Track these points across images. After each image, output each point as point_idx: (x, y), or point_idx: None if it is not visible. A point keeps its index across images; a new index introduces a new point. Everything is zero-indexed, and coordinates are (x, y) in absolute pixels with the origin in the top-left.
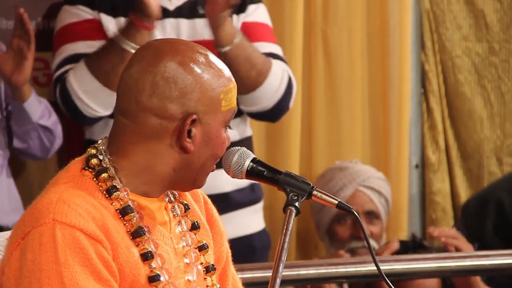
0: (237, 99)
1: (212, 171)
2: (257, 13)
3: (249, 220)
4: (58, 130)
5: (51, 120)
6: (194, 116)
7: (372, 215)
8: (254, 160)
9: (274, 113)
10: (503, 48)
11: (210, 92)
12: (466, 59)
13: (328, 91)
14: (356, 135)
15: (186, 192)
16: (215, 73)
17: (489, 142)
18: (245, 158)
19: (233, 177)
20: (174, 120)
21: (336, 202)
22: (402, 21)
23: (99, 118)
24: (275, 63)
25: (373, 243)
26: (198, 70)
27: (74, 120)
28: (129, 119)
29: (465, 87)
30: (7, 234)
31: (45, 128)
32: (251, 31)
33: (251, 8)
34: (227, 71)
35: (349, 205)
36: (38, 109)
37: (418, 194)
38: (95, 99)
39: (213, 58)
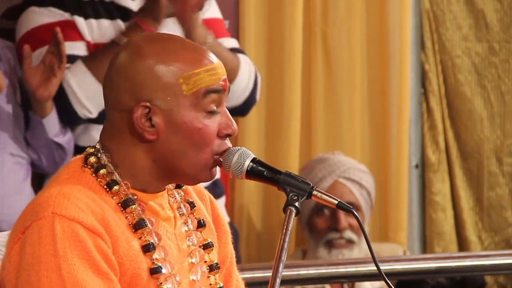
0: None
1: (219, 164)
2: (212, 9)
3: None
4: (71, 147)
5: (66, 137)
6: (143, 104)
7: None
8: (254, 160)
9: (244, 108)
10: (503, 48)
11: (164, 79)
12: (466, 59)
13: (328, 91)
14: (356, 135)
15: (192, 191)
16: (172, 59)
17: (489, 142)
18: (245, 158)
19: (233, 177)
20: (129, 111)
21: (336, 202)
22: (402, 21)
23: (88, 121)
24: (242, 58)
25: (351, 235)
26: (149, 59)
27: (64, 121)
28: (106, 115)
29: (465, 87)
30: (6, 234)
31: (58, 145)
32: (210, 28)
33: (206, 4)
34: (194, 56)
35: (349, 205)
36: (56, 127)
37: (418, 194)
38: (93, 101)
39: (174, 44)
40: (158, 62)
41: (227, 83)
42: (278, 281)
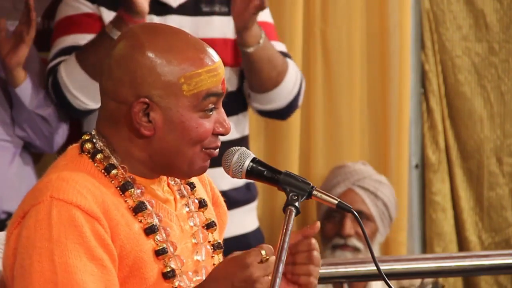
0: (251, 96)
1: (213, 154)
2: (264, 13)
3: (245, 219)
4: (57, 121)
5: (48, 111)
6: (142, 100)
7: (361, 216)
8: (254, 160)
9: (286, 111)
10: (503, 48)
11: (165, 77)
12: (466, 59)
13: (327, 91)
14: (356, 135)
15: None
16: (174, 57)
17: (489, 142)
18: (245, 158)
19: (232, 177)
20: (128, 104)
21: (336, 202)
22: (402, 21)
23: (90, 111)
24: (290, 62)
25: (357, 243)
26: (151, 54)
27: (66, 112)
28: (101, 102)
29: (465, 87)
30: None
31: (42, 117)
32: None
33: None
34: (197, 55)
35: (349, 206)
36: (34, 98)
37: (418, 194)
38: (84, 92)
39: (177, 40)
40: (159, 58)
41: (225, 85)
42: (278, 281)
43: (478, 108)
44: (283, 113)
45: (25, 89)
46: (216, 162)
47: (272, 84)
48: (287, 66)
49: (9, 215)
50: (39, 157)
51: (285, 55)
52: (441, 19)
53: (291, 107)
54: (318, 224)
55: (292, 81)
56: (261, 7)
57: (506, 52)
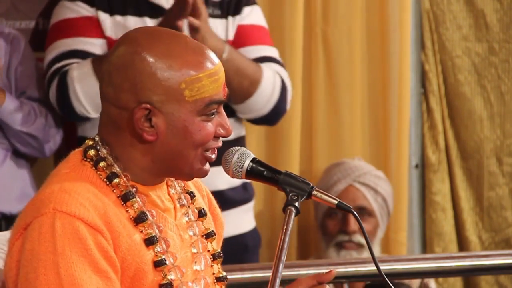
0: (233, 106)
1: (211, 159)
2: (252, 15)
3: (242, 219)
4: (49, 133)
5: (35, 125)
6: (144, 106)
7: (363, 212)
8: (254, 160)
9: (271, 118)
10: (503, 48)
11: (165, 82)
12: (466, 59)
13: (328, 91)
14: (356, 135)
15: (189, 182)
16: (174, 62)
17: (489, 142)
18: (245, 158)
19: (232, 177)
20: (129, 110)
21: (336, 202)
22: (402, 21)
23: (87, 119)
24: (267, 68)
25: (361, 238)
26: (150, 59)
27: (62, 115)
28: (102, 108)
29: (465, 87)
30: (7, 234)
31: (28, 134)
32: (247, 34)
33: (246, 10)
34: (196, 59)
35: (349, 205)
36: (17, 116)
37: (418, 194)
38: (91, 101)
39: (176, 44)
40: (159, 63)
41: (226, 89)
42: (278, 281)
43: (478, 108)
44: (269, 120)
45: (6, 110)
46: (214, 161)
47: (245, 94)
48: (261, 74)
49: (3, 215)
50: (35, 158)
51: (270, 59)
52: (441, 19)
53: (276, 113)
54: (334, 271)
55: (268, 88)
56: (194, 28)
57: (506, 52)
